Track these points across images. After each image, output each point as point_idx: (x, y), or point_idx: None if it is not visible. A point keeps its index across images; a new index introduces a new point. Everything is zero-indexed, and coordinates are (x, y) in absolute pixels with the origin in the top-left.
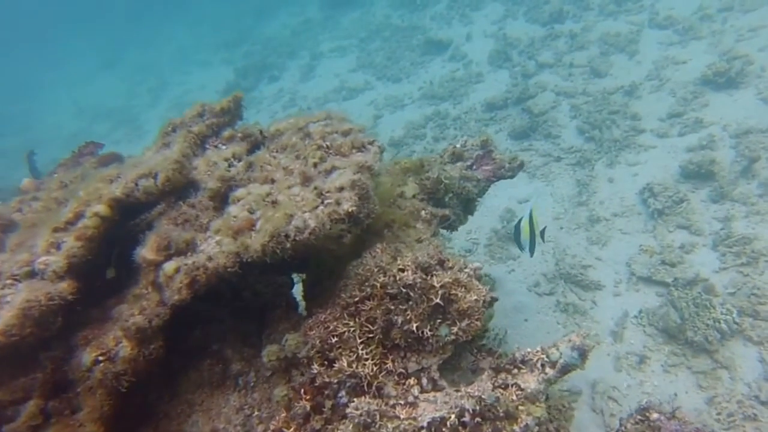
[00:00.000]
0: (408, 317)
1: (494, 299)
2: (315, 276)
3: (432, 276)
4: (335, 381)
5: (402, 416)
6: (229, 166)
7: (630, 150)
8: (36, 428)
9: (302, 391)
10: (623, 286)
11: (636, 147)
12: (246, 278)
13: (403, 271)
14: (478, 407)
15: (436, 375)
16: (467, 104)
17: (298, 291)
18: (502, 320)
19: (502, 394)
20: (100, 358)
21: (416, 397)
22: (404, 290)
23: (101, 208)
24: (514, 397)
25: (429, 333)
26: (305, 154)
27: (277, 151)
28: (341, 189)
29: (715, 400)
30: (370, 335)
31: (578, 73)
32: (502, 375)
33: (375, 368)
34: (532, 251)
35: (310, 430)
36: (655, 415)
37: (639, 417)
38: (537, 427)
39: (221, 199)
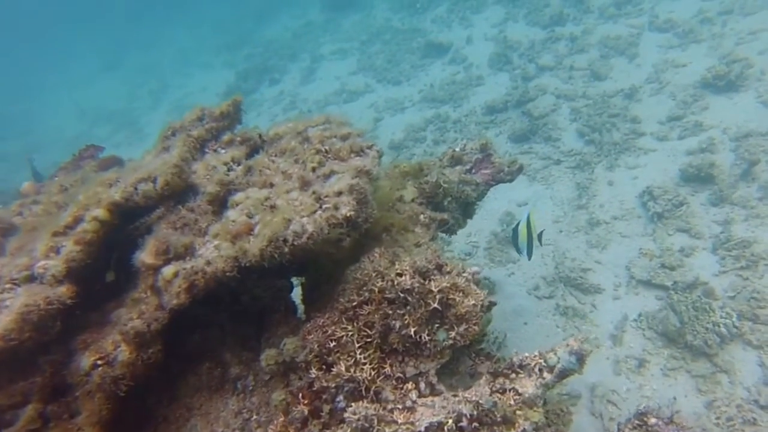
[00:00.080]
0: (406, 322)
1: (492, 304)
2: (313, 280)
3: (430, 281)
4: (333, 385)
5: (400, 421)
6: (228, 170)
7: (630, 153)
8: None
9: (300, 395)
10: (623, 290)
11: (636, 150)
12: (245, 282)
13: (401, 275)
14: (475, 412)
15: (434, 379)
16: (467, 107)
17: (297, 295)
18: (501, 323)
19: (499, 399)
20: (99, 362)
21: (414, 402)
22: (402, 295)
23: (100, 213)
24: (512, 402)
25: (427, 338)
26: (304, 159)
27: (276, 155)
28: (339, 193)
29: (714, 404)
30: (368, 340)
31: (578, 76)
32: (500, 380)
33: (373, 373)
34: (530, 254)
35: None
36: (653, 420)
37: (637, 422)
38: None
39: (220, 203)
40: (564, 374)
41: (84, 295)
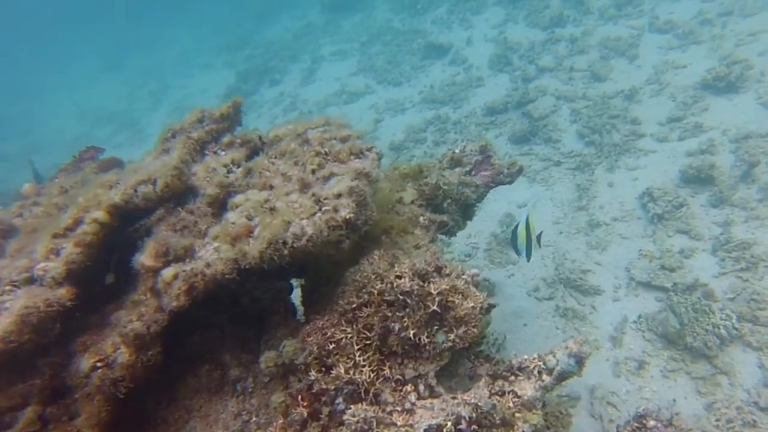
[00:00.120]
0: (405, 324)
1: (491, 306)
2: (313, 282)
3: (429, 283)
4: (332, 387)
5: (399, 423)
6: (228, 172)
7: (630, 154)
8: None
9: (299, 397)
10: (622, 291)
11: (636, 151)
12: (244, 284)
13: (400, 278)
14: (474, 414)
15: (433, 382)
16: (468, 108)
17: (296, 296)
18: (501, 325)
19: (498, 401)
20: (99, 364)
21: (413, 404)
22: (401, 297)
23: (100, 215)
24: (511, 404)
25: (426, 340)
26: (304, 161)
27: (275, 157)
28: (339, 196)
29: (714, 406)
30: (368, 342)
31: (578, 77)
32: (499, 382)
33: (372, 375)
34: (528, 256)
35: None
36: (651, 423)
37: (636, 424)
38: None
39: (220, 206)
40: (563, 377)
41: (84, 297)
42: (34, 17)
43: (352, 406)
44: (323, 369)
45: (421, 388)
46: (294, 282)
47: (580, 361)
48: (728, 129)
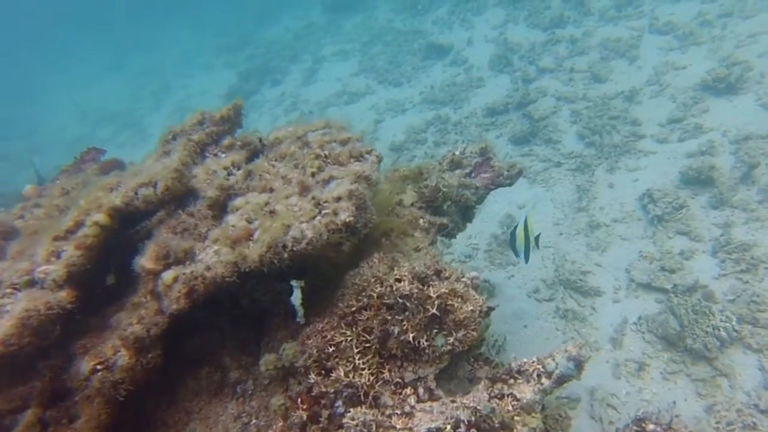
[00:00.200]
0: (404, 327)
1: (491, 309)
2: (313, 284)
3: (428, 286)
4: (332, 391)
5: (398, 426)
6: (228, 174)
7: (630, 155)
8: None
9: (299, 400)
10: (623, 293)
11: (636, 152)
12: (244, 286)
13: (399, 281)
14: (473, 418)
15: (433, 384)
16: (468, 109)
17: (296, 298)
18: (501, 326)
19: (497, 405)
20: (98, 367)
21: (413, 407)
22: (401, 300)
23: (101, 217)
24: (510, 408)
25: (425, 343)
26: (303, 164)
27: (276, 160)
28: (339, 199)
29: (714, 408)
30: (367, 345)
31: (579, 78)
32: (498, 385)
33: (372, 378)
34: (527, 258)
35: None
36: (651, 426)
37: (635, 428)
38: None
39: (220, 208)
40: (562, 380)
41: (84, 300)
42: (34, 17)
43: (351, 409)
44: (323, 372)
45: (421, 391)
46: (294, 283)
47: (579, 364)
48: (728, 130)
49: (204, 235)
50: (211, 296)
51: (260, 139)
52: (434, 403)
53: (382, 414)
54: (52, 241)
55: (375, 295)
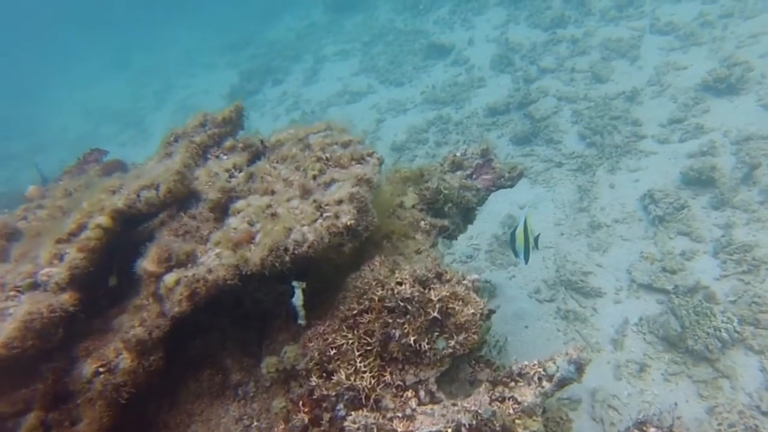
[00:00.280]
0: (406, 330)
1: (492, 312)
2: (314, 287)
3: (430, 289)
4: (333, 393)
5: (399, 429)
6: (230, 176)
7: (631, 156)
8: None
9: (300, 403)
10: (624, 293)
11: (637, 153)
12: (246, 287)
13: (401, 284)
14: (474, 422)
15: (434, 387)
16: (469, 109)
17: (298, 299)
18: (502, 327)
19: (498, 408)
20: (101, 369)
21: (414, 410)
22: (402, 304)
23: (103, 220)
24: (511, 411)
25: (426, 346)
26: (305, 166)
27: (277, 162)
28: (340, 202)
29: (715, 409)
30: (369, 348)
31: (580, 78)
32: (499, 388)
33: (373, 381)
34: (526, 258)
35: None
36: (652, 430)
37: (636, 431)
38: None
39: (222, 210)
40: (563, 383)
41: (86, 302)
42: (35, 17)
43: (352, 413)
44: (324, 375)
45: (422, 393)
46: (295, 284)
47: (579, 367)
48: (729, 131)
49: (206, 238)
50: (212, 298)
51: (262, 141)
52: (435, 406)
53: (384, 417)
54: (55, 243)
55: (376, 298)
